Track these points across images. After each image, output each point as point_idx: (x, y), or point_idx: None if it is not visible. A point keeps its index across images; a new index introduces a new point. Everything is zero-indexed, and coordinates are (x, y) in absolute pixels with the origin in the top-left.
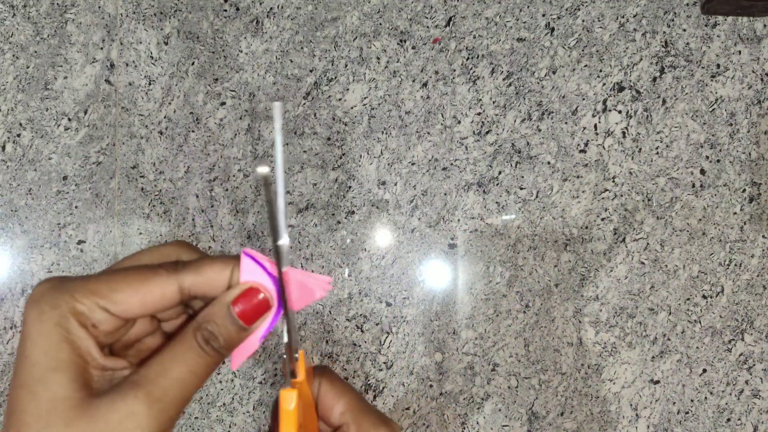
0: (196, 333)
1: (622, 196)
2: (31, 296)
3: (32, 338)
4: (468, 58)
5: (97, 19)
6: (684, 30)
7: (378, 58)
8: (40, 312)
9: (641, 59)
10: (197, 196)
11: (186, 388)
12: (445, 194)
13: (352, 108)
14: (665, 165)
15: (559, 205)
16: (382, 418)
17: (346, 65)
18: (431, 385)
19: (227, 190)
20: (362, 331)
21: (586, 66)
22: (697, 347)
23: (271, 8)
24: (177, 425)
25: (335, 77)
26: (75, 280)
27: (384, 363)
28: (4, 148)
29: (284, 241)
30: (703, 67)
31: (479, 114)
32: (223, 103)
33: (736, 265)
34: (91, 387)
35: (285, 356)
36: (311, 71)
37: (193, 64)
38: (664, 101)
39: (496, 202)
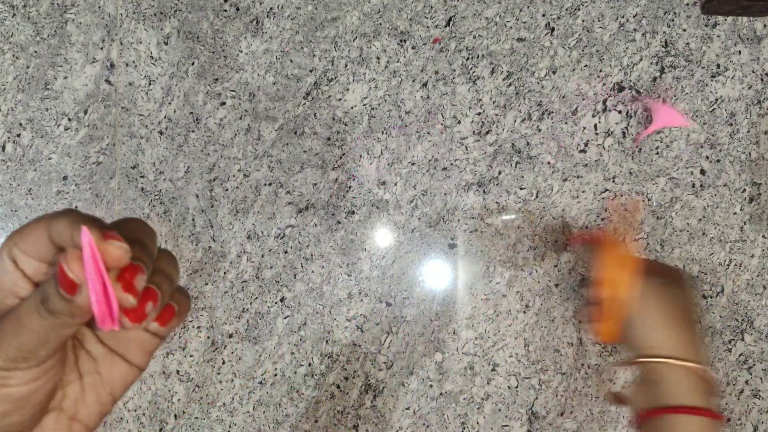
0: (36, 292)
1: (622, 196)
2: None
3: None
4: (468, 58)
5: (97, 19)
6: (684, 30)
7: (378, 58)
8: None
9: (641, 59)
10: (197, 196)
11: (19, 337)
12: (445, 194)
13: (352, 108)
14: (665, 165)
15: (559, 205)
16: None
17: (346, 65)
18: (431, 385)
19: (227, 190)
20: (362, 331)
21: (586, 66)
22: None
23: (271, 8)
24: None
25: (335, 77)
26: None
27: (384, 363)
28: (4, 148)
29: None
30: (703, 67)
31: (479, 114)
32: (223, 103)
33: (736, 265)
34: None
35: None
36: (311, 71)
37: (193, 64)
38: (664, 101)
39: (496, 202)
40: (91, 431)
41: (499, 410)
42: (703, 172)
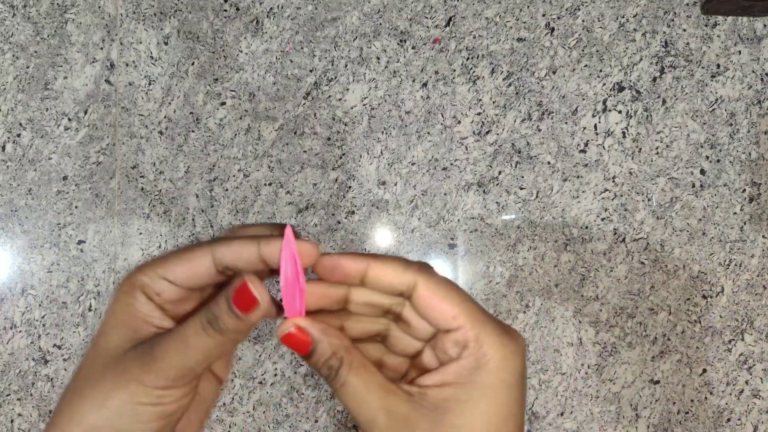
0: (202, 314)
1: (622, 196)
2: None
3: (111, 309)
4: (468, 58)
5: (97, 19)
6: (684, 30)
7: (378, 58)
8: (119, 287)
9: (641, 59)
10: (197, 196)
11: (184, 358)
12: (445, 194)
13: (352, 108)
14: (665, 165)
15: (559, 205)
16: (503, 327)
17: (346, 65)
18: None
19: (227, 190)
20: None
21: (586, 66)
22: (697, 347)
23: (271, 8)
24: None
25: (335, 77)
26: (148, 261)
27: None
28: (4, 148)
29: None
30: (703, 67)
31: (479, 114)
32: (223, 103)
33: (736, 265)
34: (135, 340)
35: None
36: (311, 71)
37: (193, 64)
38: (664, 101)
39: (496, 202)
40: None
41: None
42: (703, 172)
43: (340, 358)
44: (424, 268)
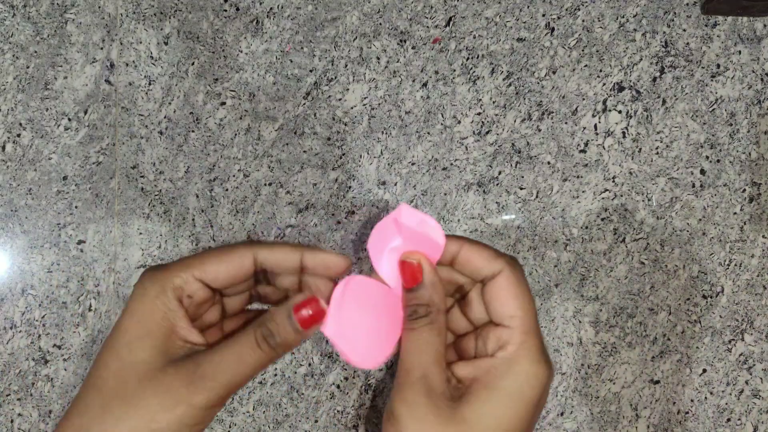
0: (257, 329)
1: (622, 196)
2: (138, 279)
3: (130, 311)
4: (468, 58)
5: (97, 19)
6: (684, 30)
7: (378, 58)
8: (144, 288)
9: (641, 59)
10: (197, 196)
11: (237, 371)
12: (445, 194)
13: (352, 108)
14: (665, 165)
15: (559, 205)
16: (545, 351)
17: (346, 65)
18: None
19: (227, 190)
20: None
21: (586, 66)
22: (697, 347)
23: (271, 8)
24: None
25: (335, 77)
26: (174, 262)
27: (384, 363)
28: (4, 148)
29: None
30: (703, 67)
31: (479, 114)
32: (223, 103)
33: (736, 265)
34: (169, 355)
35: None
36: (311, 71)
37: (193, 64)
38: (664, 101)
39: (496, 202)
40: None
41: None
42: (703, 172)
43: (431, 310)
44: (512, 262)
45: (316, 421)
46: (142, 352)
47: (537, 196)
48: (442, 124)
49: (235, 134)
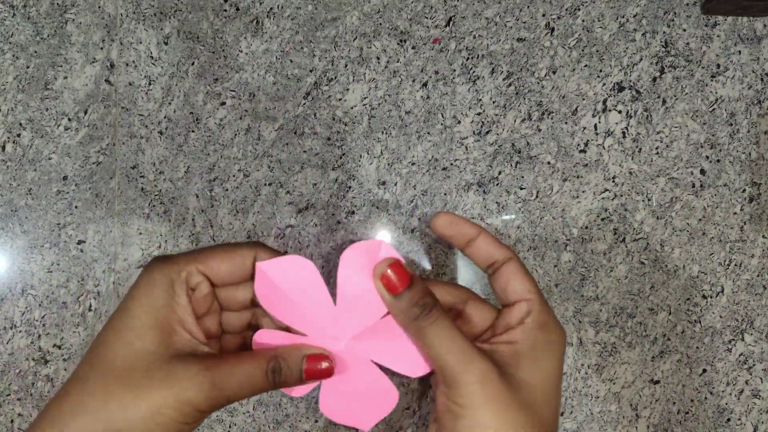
0: (270, 359)
1: (622, 196)
2: (144, 267)
3: (138, 297)
4: (468, 58)
5: (97, 19)
6: (684, 30)
7: (378, 58)
8: (152, 278)
9: (641, 59)
10: (197, 196)
11: (241, 389)
12: (445, 194)
13: (352, 108)
14: (665, 165)
15: (559, 205)
16: (558, 322)
17: (346, 65)
18: (431, 385)
19: (227, 190)
20: None
21: (586, 66)
22: (697, 347)
23: (271, 8)
24: None
25: (335, 77)
26: (179, 254)
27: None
28: (4, 148)
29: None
30: (703, 67)
31: (479, 114)
32: (223, 103)
33: (736, 265)
34: (174, 348)
35: None
36: (311, 71)
37: (193, 64)
38: (664, 101)
39: (496, 202)
40: None
41: None
42: (703, 172)
43: (435, 301)
44: (514, 251)
45: (316, 421)
46: (150, 341)
47: (537, 196)
48: (442, 124)
49: (235, 134)
